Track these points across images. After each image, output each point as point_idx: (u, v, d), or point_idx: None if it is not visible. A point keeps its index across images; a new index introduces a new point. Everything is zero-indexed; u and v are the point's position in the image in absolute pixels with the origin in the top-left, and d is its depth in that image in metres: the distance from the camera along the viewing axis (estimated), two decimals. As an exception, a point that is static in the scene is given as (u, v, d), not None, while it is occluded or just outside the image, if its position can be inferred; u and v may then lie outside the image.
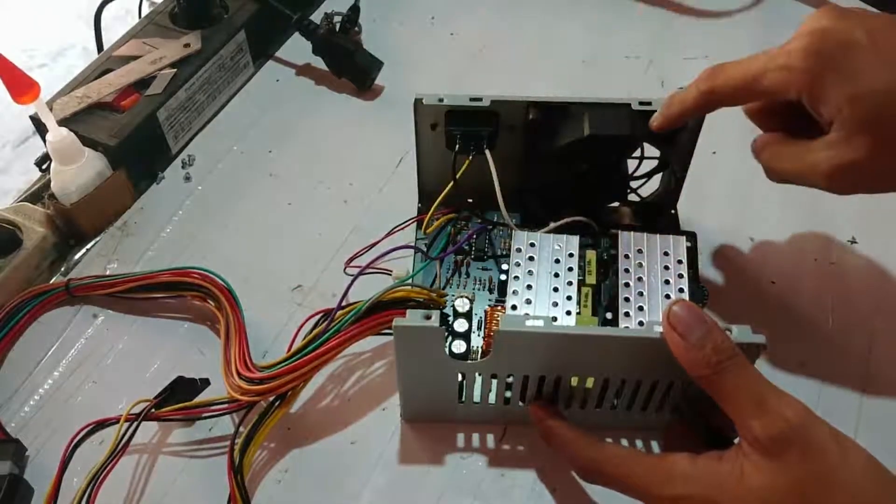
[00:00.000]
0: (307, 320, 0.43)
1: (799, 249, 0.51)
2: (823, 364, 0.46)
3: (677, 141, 0.45)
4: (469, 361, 0.38)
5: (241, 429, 0.41)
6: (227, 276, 0.47)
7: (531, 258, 0.42)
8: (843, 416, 0.43)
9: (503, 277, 0.42)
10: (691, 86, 0.40)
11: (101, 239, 0.54)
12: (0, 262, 0.49)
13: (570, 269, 0.42)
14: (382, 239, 0.50)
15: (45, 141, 0.51)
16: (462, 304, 0.40)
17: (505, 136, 0.45)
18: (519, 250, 0.42)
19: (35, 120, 0.53)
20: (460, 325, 0.39)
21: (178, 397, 0.43)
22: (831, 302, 0.49)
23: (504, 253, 0.46)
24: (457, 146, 0.45)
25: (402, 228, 0.50)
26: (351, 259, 0.49)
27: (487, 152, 0.44)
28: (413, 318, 0.36)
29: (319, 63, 0.64)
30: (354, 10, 0.64)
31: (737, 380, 0.33)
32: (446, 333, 0.38)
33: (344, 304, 0.42)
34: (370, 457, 0.43)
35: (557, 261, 0.42)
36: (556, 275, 0.42)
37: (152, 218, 0.55)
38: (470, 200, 0.48)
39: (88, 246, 0.53)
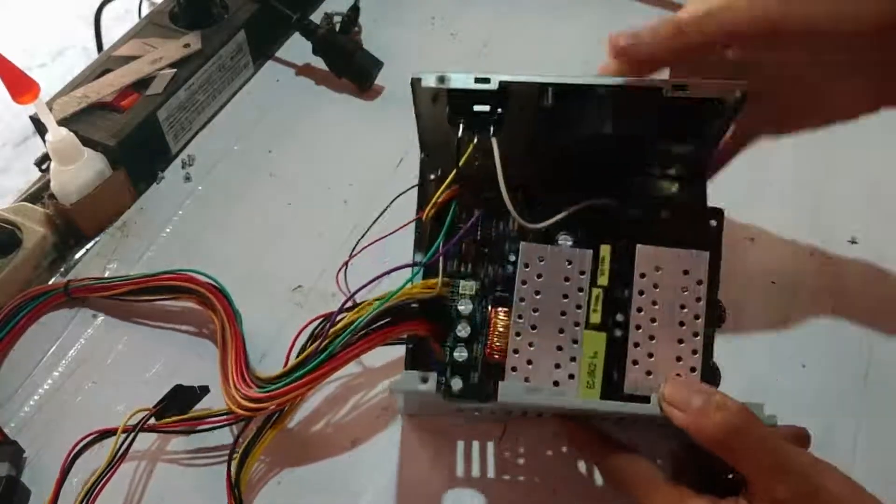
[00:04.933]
0: (306, 325, 0.42)
1: (799, 249, 0.51)
2: (823, 364, 0.46)
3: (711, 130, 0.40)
4: (470, 405, 0.38)
5: (241, 439, 0.41)
6: (226, 277, 0.47)
7: (539, 276, 0.39)
8: (843, 417, 0.43)
9: (510, 270, 0.40)
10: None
11: (100, 239, 0.54)
12: (0, 261, 0.49)
13: (581, 290, 0.39)
14: (380, 237, 0.49)
15: (44, 141, 0.51)
16: (465, 307, 0.39)
17: (514, 120, 0.40)
18: (527, 266, 0.39)
19: (35, 120, 0.53)
20: (459, 355, 0.38)
21: (178, 405, 0.43)
22: (831, 302, 0.49)
23: (512, 235, 0.41)
24: (460, 128, 0.40)
25: (403, 228, 0.49)
26: (348, 261, 0.47)
27: (493, 140, 0.40)
28: (409, 380, 0.35)
29: (319, 63, 0.64)
30: (354, 10, 0.64)
31: (750, 438, 0.31)
32: (446, 369, 0.38)
33: (345, 306, 0.41)
34: (370, 457, 0.43)
35: (567, 279, 0.39)
36: (565, 296, 0.39)
37: (152, 218, 0.55)
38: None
39: (88, 246, 0.53)
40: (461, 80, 0.39)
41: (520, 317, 0.38)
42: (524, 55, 0.65)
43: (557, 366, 0.37)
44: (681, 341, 0.37)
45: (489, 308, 0.40)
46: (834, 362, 0.46)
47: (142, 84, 0.56)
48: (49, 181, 0.52)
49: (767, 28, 0.35)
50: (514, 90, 0.39)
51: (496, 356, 0.38)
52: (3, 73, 0.44)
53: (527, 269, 0.39)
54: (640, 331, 0.38)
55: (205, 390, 0.44)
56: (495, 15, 0.70)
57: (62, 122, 0.51)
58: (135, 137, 0.54)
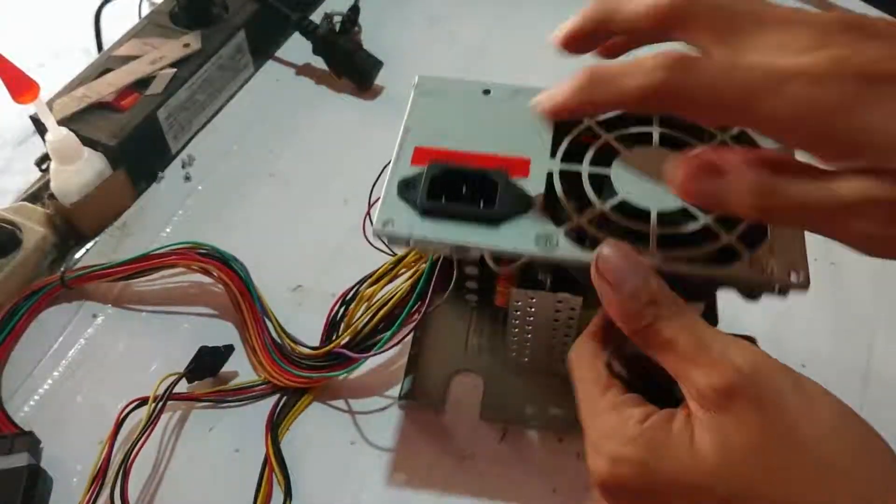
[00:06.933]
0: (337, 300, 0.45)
1: (799, 249, 0.51)
2: (823, 364, 0.46)
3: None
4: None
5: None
6: (226, 276, 0.47)
7: (530, 311, 0.38)
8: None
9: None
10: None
11: (100, 239, 0.54)
12: (0, 262, 0.49)
13: (567, 336, 0.39)
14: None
15: (44, 141, 0.50)
16: (471, 271, 0.39)
17: None
18: (518, 305, 0.38)
19: (35, 120, 0.53)
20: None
21: (205, 367, 0.44)
22: (831, 302, 0.49)
23: None
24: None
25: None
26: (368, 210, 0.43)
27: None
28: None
29: (319, 63, 0.64)
30: (354, 10, 0.64)
31: (676, 328, 0.28)
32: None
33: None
34: (370, 457, 0.43)
35: (556, 320, 0.38)
36: (554, 338, 0.40)
37: (152, 218, 0.55)
38: None
39: (88, 246, 0.53)
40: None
41: (515, 341, 0.40)
42: (523, 55, 0.65)
43: None
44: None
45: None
46: (834, 362, 0.46)
47: (142, 84, 0.56)
48: (49, 181, 0.52)
49: None
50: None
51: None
52: (3, 73, 0.44)
53: (518, 308, 0.38)
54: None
55: (229, 349, 0.45)
56: (495, 15, 0.70)
57: (62, 122, 0.51)
58: (135, 137, 0.54)
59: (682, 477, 0.27)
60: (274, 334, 0.46)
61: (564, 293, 0.36)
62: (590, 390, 0.31)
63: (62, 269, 0.50)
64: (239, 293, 0.47)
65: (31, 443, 0.42)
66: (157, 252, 0.48)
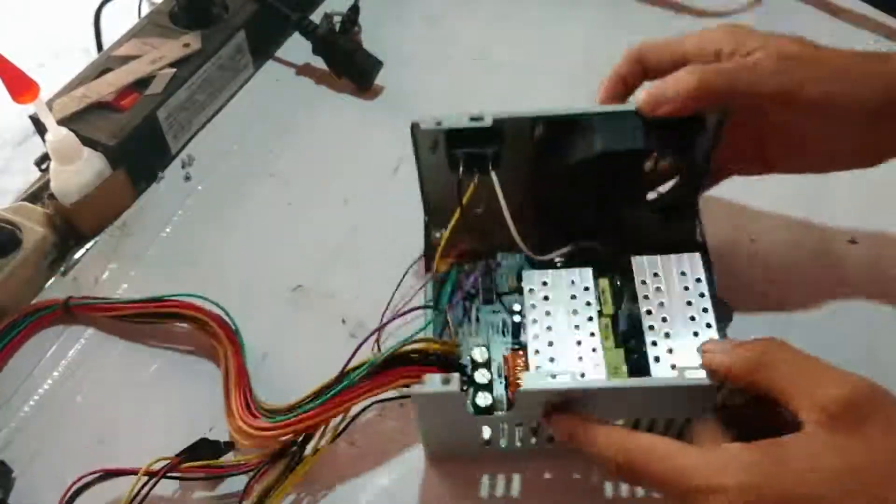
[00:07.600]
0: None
1: (799, 249, 0.51)
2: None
3: (694, 148, 0.42)
4: (495, 415, 0.38)
5: (254, 484, 0.40)
6: (226, 277, 0.47)
7: (546, 297, 0.40)
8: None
9: (517, 319, 0.41)
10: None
11: (100, 239, 0.54)
12: (0, 262, 0.49)
13: (588, 303, 0.40)
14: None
15: (44, 141, 0.50)
16: (480, 354, 0.39)
17: (511, 154, 0.42)
18: (532, 291, 0.40)
19: (35, 120, 0.53)
20: (481, 377, 0.38)
21: (200, 458, 0.41)
22: (831, 302, 0.49)
23: (510, 290, 0.44)
24: (461, 169, 0.41)
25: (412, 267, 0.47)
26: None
27: (493, 173, 0.40)
28: (431, 384, 0.35)
29: (319, 63, 0.64)
30: (354, 10, 0.64)
31: (789, 360, 0.32)
32: (466, 387, 0.37)
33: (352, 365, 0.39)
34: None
35: (574, 297, 0.40)
36: (575, 311, 0.40)
37: (152, 218, 0.55)
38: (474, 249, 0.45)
39: (88, 246, 0.53)
40: (456, 120, 0.40)
41: (535, 337, 0.39)
42: (524, 55, 0.65)
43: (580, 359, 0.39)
44: (696, 334, 0.39)
45: (506, 355, 0.41)
46: (834, 363, 0.46)
47: (142, 84, 0.56)
48: (49, 181, 0.52)
49: (787, 97, 0.38)
50: (508, 126, 0.41)
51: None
52: (2, 73, 0.44)
53: (532, 294, 0.40)
54: (655, 330, 0.39)
55: (229, 446, 0.42)
56: (495, 15, 0.70)
57: (62, 122, 0.51)
58: (135, 137, 0.54)
59: (805, 489, 0.29)
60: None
61: (574, 268, 0.41)
62: (675, 451, 0.32)
63: (67, 295, 0.49)
64: (233, 352, 0.44)
65: (1, 474, 0.41)
66: (164, 299, 0.47)
